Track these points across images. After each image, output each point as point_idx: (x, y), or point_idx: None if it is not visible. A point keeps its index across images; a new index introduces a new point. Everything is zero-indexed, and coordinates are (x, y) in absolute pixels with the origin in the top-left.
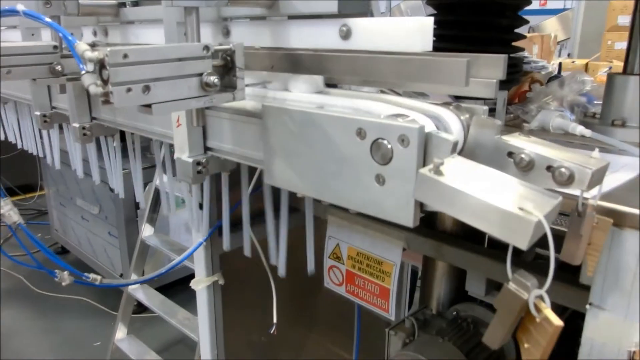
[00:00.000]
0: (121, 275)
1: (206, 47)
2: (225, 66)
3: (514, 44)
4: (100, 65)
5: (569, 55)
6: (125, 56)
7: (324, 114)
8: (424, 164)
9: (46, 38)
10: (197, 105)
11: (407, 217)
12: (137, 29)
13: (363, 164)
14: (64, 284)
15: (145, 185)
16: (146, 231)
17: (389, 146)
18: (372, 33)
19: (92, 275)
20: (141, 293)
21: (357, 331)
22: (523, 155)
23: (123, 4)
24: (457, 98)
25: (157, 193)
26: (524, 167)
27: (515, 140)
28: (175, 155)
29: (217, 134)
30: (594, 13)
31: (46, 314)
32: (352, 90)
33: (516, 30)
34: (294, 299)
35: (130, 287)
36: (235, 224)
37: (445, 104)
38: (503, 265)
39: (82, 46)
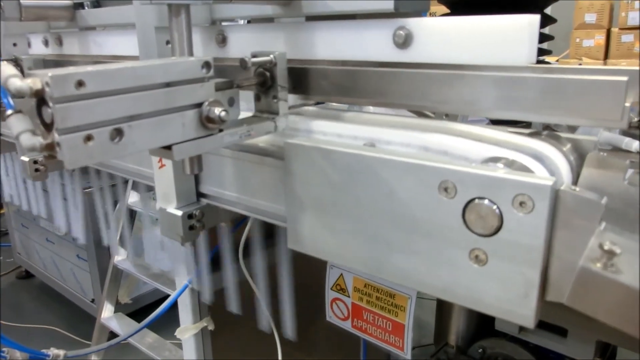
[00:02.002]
0: (92, 301)
1: (206, 64)
2: (262, 84)
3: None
4: (39, 100)
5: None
6: (80, 84)
7: (384, 158)
8: (551, 235)
9: None
10: (213, 146)
11: (524, 313)
12: (99, 37)
13: (450, 233)
14: None
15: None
16: (118, 254)
17: (496, 210)
18: (445, 39)
19: (53, 352)
20: (115, 322)
21: None
22: None
23: (80, 5)
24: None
25: (129, 212)
26: None
27: None
28: (158, 206)
29: (215, 176)
30: (560, 11)
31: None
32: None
33: (541, 31)
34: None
35: (103, 317)
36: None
37: (535, 133)
38: None
39: (6, 70)
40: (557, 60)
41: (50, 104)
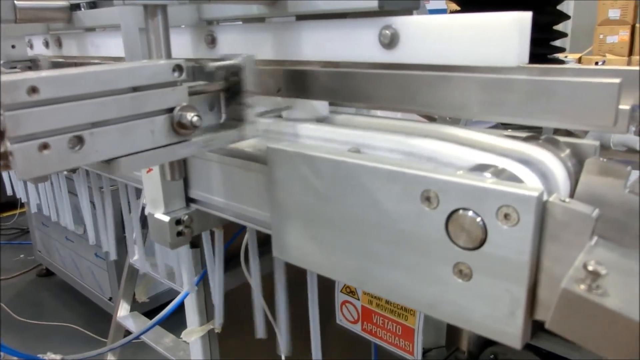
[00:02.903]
0: (110, 299)
1: (177, 67)
2: (228, 90)
3: (552, 43)
4: None
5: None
6: (34, 90)
7: (366, 165)
8: (538, 251)
9: None
10: (172, 156)
11: (511, 332)
12: (96, 38)
13: (433, 245)
14: None
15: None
16: (134, 253)
17: (480, 222)
18: (432, 38)
19: (49, 357)
20: (130, 321)
21: None
22: None
23: (77, 7)
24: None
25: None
26: None
27: None
28: (147, 211)
29: (203, 181)
30: (584, 7)
31: (30, 343)
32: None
33: (555, 27)
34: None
35: (119, 316)
36: (231, 259)
37: (532, 138)
38: None
39: None
40: (580, 57)
41: (1, 112)
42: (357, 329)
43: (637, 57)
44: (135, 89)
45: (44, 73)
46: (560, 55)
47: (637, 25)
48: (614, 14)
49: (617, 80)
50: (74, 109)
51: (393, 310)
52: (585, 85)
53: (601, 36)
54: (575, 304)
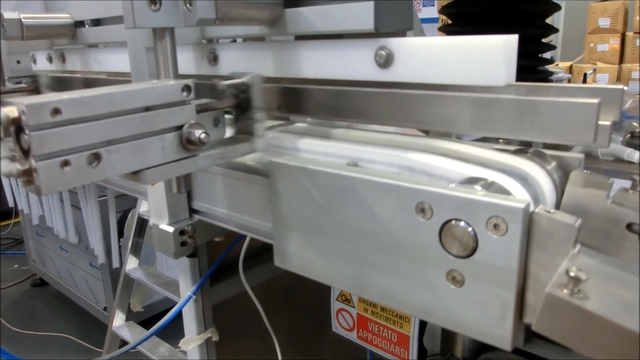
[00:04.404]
0: (105, 309)
1: (186, 88)
2: (238, 106)
3: (541, 55)
4: (17, 127)
5: (552, 57)
6: (57, 111)
7: (363, 178)
8: (526, 259)
9: None
10: (186, 169)
11: (501, 335)
12: (99, 54)
13: (428, 254)
14: None
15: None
16: (130, 263)
17: (471, 232)
18: (425, 59)
19: None
20: (126, 331)
21: None
22: None
23: (81, 23)
24: None
25: (140, 221)
26: None
27: (632, 203)
28: (151, 222)
29: (206, 193)
30: (574, 15)
31: (24, 354)
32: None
33: (544, 40)
34: (298, 344)
35: (114, 325)
36: (228, 269)
37: (520, 151)
38: None
39: None
40: (571, 66)
41: (27, 132)
42: (352, 336)
43: (628, 64)
44: (147, 109)
45: (65, 95)
46: (552, 65)
47: (627, 33)
48: (604, 22)
49: (596, 101)
50: (92, 128)
51: (388, 318)
52: (567, 105)
53: (592, 44)
54: (558, 307)
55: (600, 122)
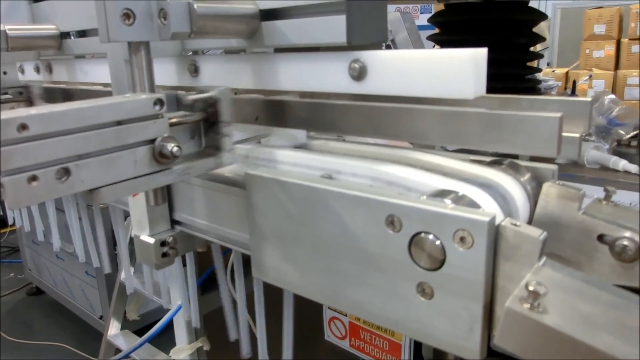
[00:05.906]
0: (101, 318)
1: (159, 101)
2: (206, 120)
3: (528, 64)
4: None
5: (548, 64)
6: (24, 127)
7: (334, 190)
8: (494, 271)
9: None
10: (152, 185)
11: (469, 347)
12: (85, 65)
13: (398, 266)
14: None
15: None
16: (125, 271)
17: (439, 244)
18: (397, 71)
19: None
20: (121, 339)
21: None
22: (625, 242)
23: (67, 35)
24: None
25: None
26: (628, 258)
27: (605, 214)
28: (133, 233)
29: (187, 204)
30: (570, 23)
31: None
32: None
33: (532, 49)
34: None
35: (110, 334)
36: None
37: (495, 162)
38: None
39: None
40: (567, 72)
41: None
42: (345, 344)
43: (623, 70)
44: (118, 123)
45: (32, 111)
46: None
47: (623, 40)
48: (599, 29)
49: (558, 115)
50: (61, 143)
51: (380, 326)
52: (531, 119)
53: (587, 51)
54: (518, 321)
55: (568, 134)
